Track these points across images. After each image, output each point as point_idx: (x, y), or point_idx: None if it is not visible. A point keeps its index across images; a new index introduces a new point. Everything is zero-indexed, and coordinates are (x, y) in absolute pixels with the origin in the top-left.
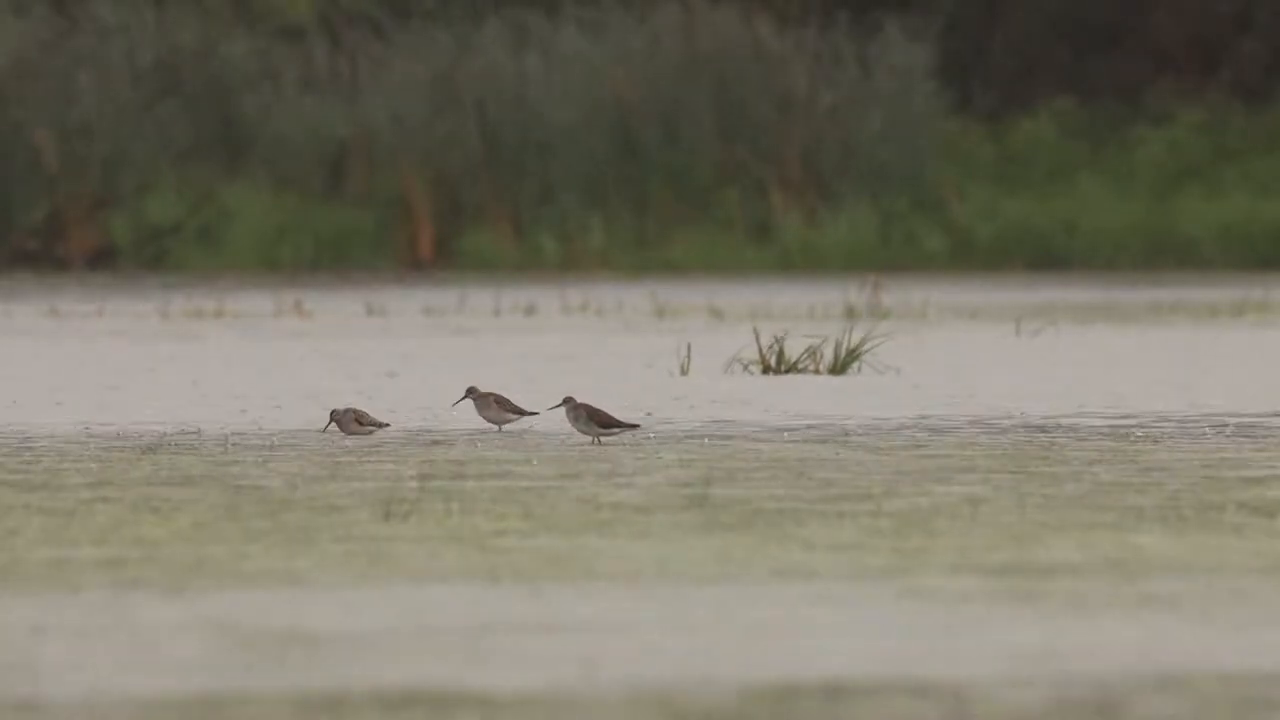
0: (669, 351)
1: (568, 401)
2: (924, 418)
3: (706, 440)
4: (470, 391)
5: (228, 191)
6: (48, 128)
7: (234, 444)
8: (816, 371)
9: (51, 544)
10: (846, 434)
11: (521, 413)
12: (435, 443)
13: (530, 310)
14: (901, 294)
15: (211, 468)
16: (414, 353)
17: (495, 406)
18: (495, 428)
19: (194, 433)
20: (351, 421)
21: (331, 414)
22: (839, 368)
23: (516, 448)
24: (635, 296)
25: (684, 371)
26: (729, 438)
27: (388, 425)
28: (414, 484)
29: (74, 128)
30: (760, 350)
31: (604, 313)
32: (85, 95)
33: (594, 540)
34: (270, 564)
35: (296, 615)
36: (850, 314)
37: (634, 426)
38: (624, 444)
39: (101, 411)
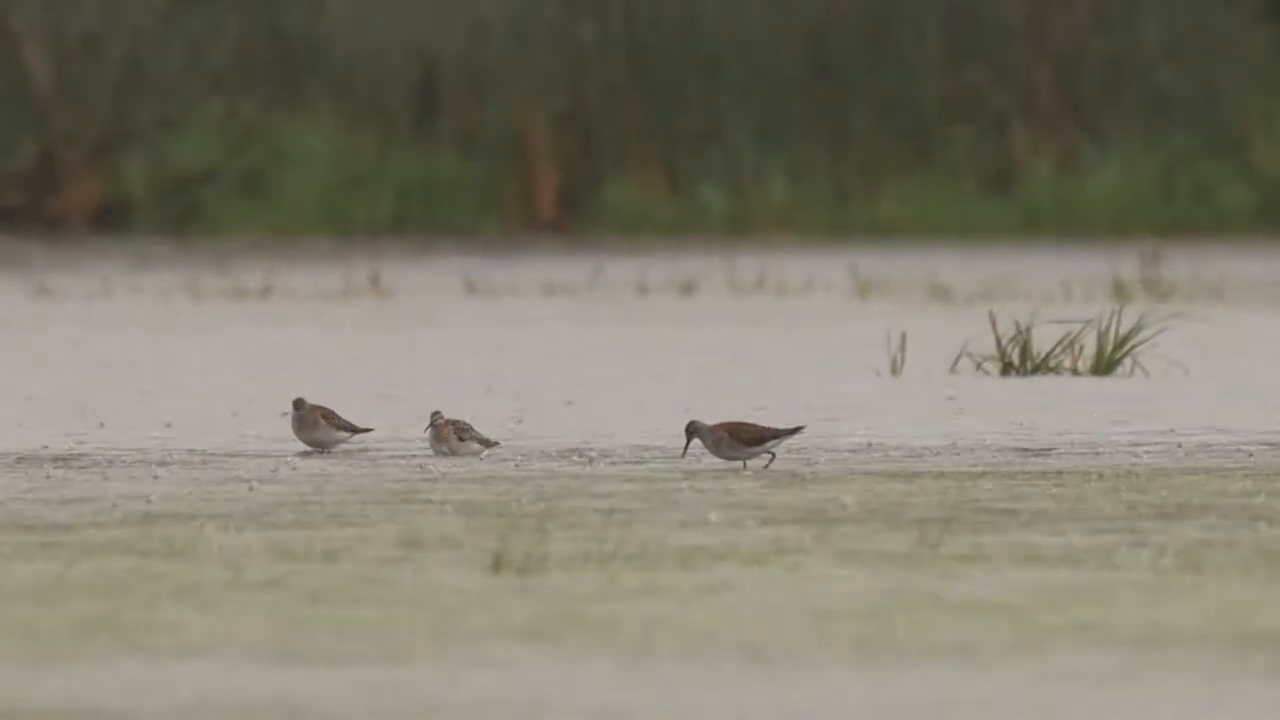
0: (875, 343)
1: (693, 432)
2: (1219, 433)
3: (923, 462)
4: (297, 405)
5: (281, 128)
6: (39, 40)
7: (293, 466)
8: (1074, 371)
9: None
10: (1115, 457)
11: (353, 430)
12: (560, 461)
13: (688, 287)
14: (1190, 265)
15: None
16: (529, 343)
17: (324, 423)
18: (319, 450)
19: (236, 453)
20: (451, 437)
21: (432, 418)
22: (1105, 366)
23: (658, 470)
24: (830, 269)
25: (895, 370)
26: (955, 458)
27: (498, 444)
28: (532, 516)
29: (74, 40)
30: (998, 342)
31: (787, 291)
32: None
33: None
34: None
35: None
36: (1120, 293)
37: (796, 430)
38: (801, 473)
39: (102, 423)
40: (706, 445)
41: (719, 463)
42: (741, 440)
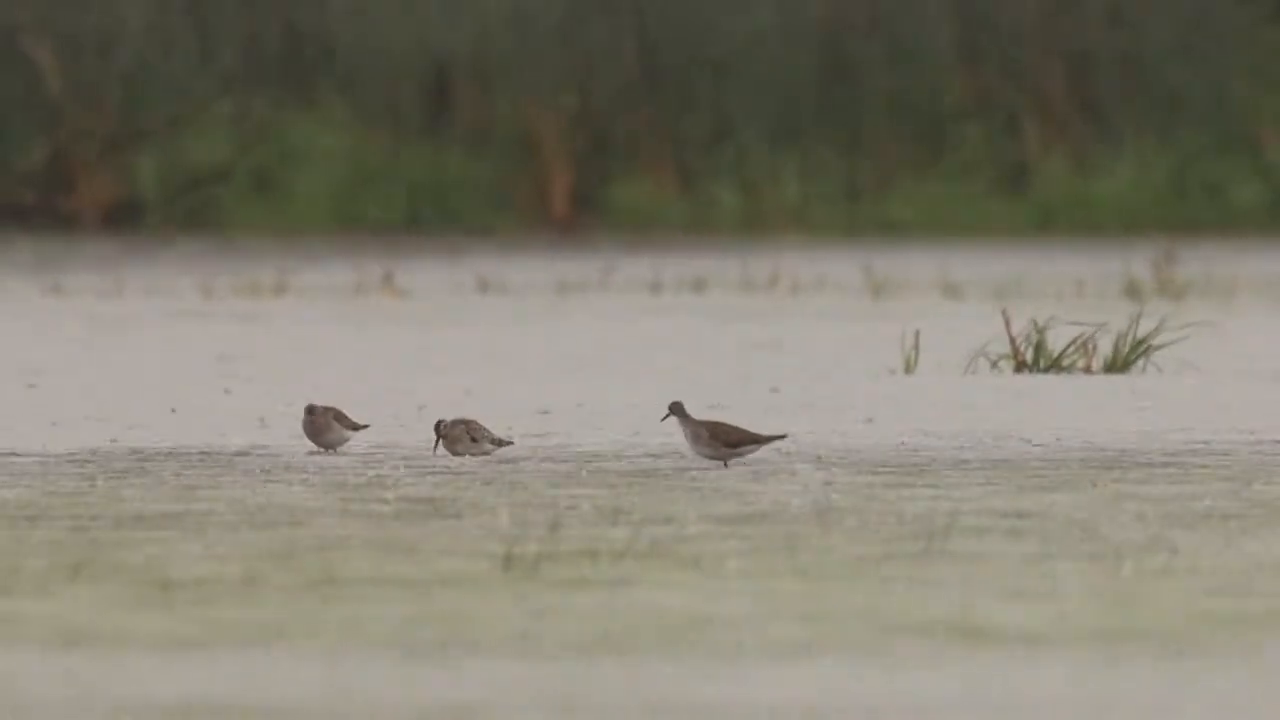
0: (888, 342)
1: (679, 414)
2: (1232, 431)
3: (936, 461)
4: (309, 410)
5: (292, 126)
6: (50, 38)
7: (310, 469)
8: (1088, 370)
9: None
10: (1129, 455)
11: (357, 427)
12: (573, 460)
13: (700, 285)
14: (1203, 263)
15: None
16: (543, 342)
17: (335, 425)
18: (324, 451)
19: (247, 452)
20: (464, 437)
21: (436, 428)
22: (1119, 365)
23: (673, 474)
24: (842, 267)
25: (909, 369)
26: (966, 462)
27: (511, 443)
28: (543, 526)
29: (85, 39)
30: (1012, 341)
31: (800, 289)
32: None
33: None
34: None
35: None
36: (1133, 292)
37: (778, 438)
38: (812, 472)
39: (114, 425)
40: (685, 434)
41: (721, 461)
42: (720, 441)
